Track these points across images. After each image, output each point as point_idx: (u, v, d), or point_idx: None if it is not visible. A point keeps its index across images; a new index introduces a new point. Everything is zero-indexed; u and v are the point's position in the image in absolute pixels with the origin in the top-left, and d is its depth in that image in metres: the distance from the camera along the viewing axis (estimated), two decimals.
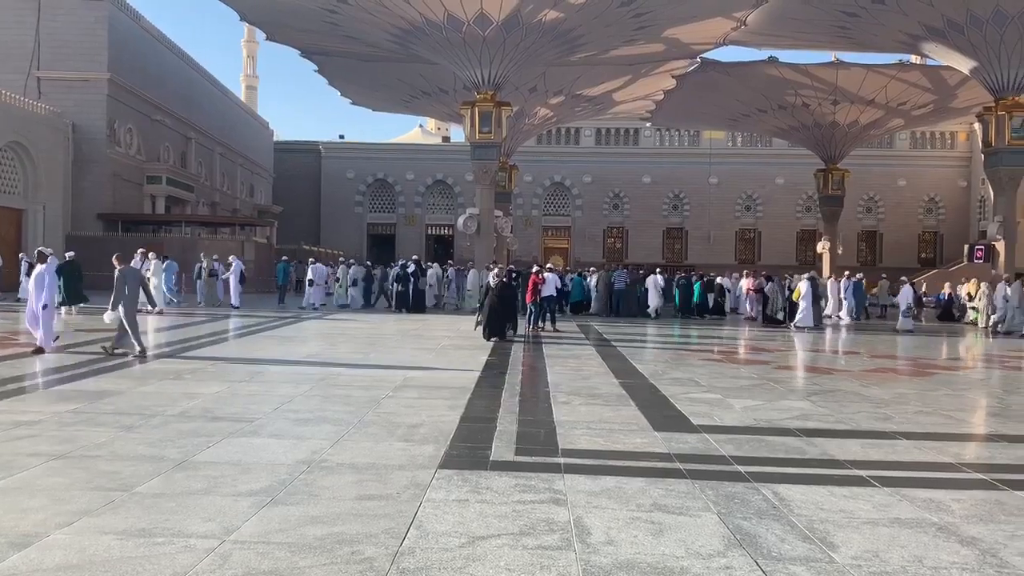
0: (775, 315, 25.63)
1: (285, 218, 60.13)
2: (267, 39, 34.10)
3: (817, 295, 24.31)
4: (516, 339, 18.24)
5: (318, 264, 28.42)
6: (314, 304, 27.10)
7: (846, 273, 29.90)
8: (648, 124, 52.42)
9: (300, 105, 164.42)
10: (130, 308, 12.98)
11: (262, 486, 5.82)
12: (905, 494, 6.08)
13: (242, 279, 26.70)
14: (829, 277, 28.85)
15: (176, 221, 43.74)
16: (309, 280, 27.56)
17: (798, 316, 23.83)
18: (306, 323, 21.76)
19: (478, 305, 21.02)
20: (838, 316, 28.34)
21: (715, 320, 27.70)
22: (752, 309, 27.79)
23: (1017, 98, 29.00)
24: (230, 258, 27.50)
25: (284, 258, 31.08)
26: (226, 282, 27.18)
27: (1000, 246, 30.29)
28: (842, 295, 28.54)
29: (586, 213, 59.46)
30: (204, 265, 27.77)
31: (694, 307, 28.28)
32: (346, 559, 4.45)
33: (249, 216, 56.46)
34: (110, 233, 38.43)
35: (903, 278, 26.51)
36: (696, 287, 28.45)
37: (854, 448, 7.72)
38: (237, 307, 25.69)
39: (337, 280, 28.99)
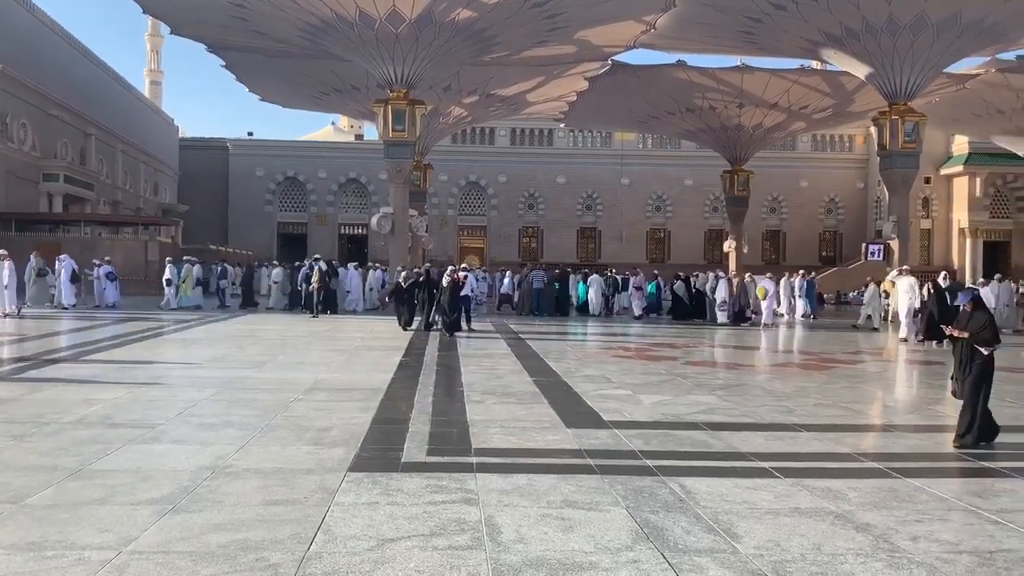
0: (746, 314, 26.17)
1: (191, 217, 58.34)
2: (172, 33, 32.98)
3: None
4: (434, 331, 18.42)
5: (173, 264, 27.52)
6: (172, 306, 26.27)
7: (800, 272, 30.86)
8: (561, 125, 52.91)
9: (207, 101, 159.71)
10: None
11: (163, 494, 5.63)
12: (805, 484, 6.30)
13: (74, 278, 25.72)
14: (784, 277, 29.77)
15: (75, 220, 41.93)
16: (167, 280, 26.66)
17: (764, 314, 25.06)
18: (211, 325, 21.16)
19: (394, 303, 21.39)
20: (792, 314, 29.23)
21: (627, 319, 28.15)
22: (636, 307, 27.99)
23: (909, 103, 30.40)
24: (61, 256, 26.38)
25: (183, 259, 29.50)
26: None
27: (895, 245, 31.71)
28: (797, 294, 29.44)
29: (501, 213, 59.65)
30: (32, 264, 26.64)
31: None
32: (250, 566, 4.33)
33: (153, 215, 54.60)
34: (3, 233, 36.53)
35: (719, 273, 27.48)
36: (652, 286, 29.13)
37: (757, 441, 7.96)
38: (67, 307, 25.01)
39: (184, 281, 27.56)
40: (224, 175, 60.11)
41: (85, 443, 7.11)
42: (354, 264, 29.20)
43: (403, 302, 21.15)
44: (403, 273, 22.22)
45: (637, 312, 27.38)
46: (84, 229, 41.23)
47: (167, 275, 26.65)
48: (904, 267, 24.95)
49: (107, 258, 27.83)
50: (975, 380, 7.94)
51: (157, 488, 5.77)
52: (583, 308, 28.67)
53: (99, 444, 7.07)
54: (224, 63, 36.20)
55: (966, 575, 4.50)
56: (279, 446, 7.22)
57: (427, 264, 29.59)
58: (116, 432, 7.59)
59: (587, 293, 28.50)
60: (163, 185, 60.98)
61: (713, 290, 26.16)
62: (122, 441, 7.21)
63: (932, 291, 19.54)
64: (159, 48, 73.50)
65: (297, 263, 30.10)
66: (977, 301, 8.39)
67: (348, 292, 27.28)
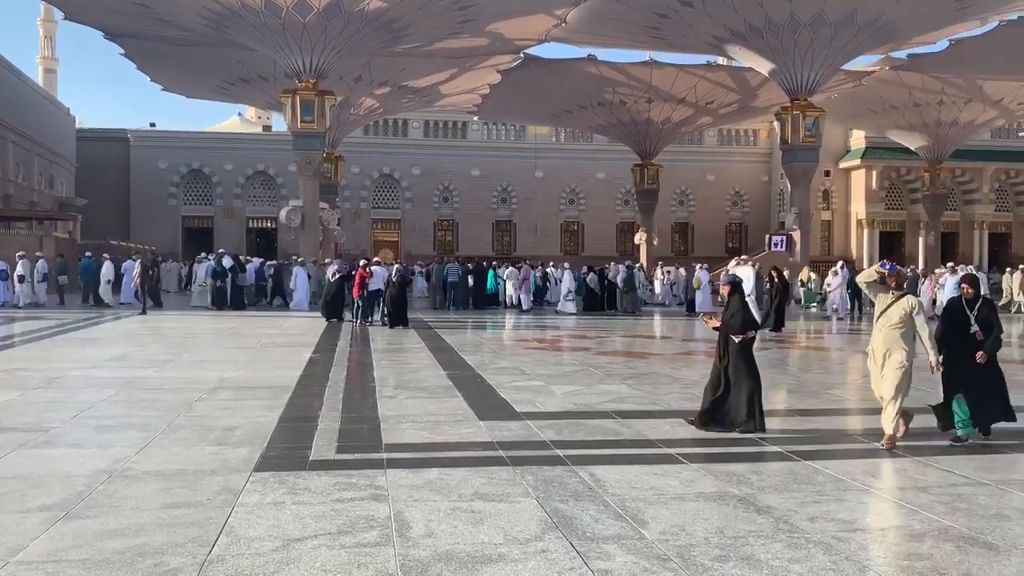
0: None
1: (91, 212, 55.81)
2: (66, 19, 31.48)
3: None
4: (349, 324, 18.13)
5: (25, 259, 26.23)
6: (21, 302, 25.21)
7: (749, 263, 31.35)
8: (475, 118, 52.86)
9: (106, 91, 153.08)
10: None
11: (55, 500, 5.38)
12: (710, 469, 6.46)
13: None
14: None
15: None
16: (19, 276, 25.50)
17: (700, 303, 25.76)
18: (113, 323, 20.37)
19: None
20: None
21: (536, 311, 28.36)
22: (524, 301, 27.74)
23: (809, 99, 31.55)
24: None
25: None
26: None
27: (796, 236, 32.89)
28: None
29: (416, 206, 59.18)
30: None
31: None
32: (148, 572, 4.18)
33: (49, 209, 52.07)
34: None
35: (565, 264, 28.14)
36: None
37: (665, 427, 8.13)
38: None
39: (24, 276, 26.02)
40: (125, 167, 57.83)
41: None
42: (300, 260, 28.15)
43: (330, 296, 21.30)
44: (332, 267, 22.46)
45: (525, 306, 27.20)
46: None
47: (19, 271, 25.42)
48: (743, 256, 25.89)
49: None
50: (737, 368, 7.81)
51: (49, 494, 5.51)
52: (494, 300, 28.67)
53: None
54: (123, 51, 34.79)
55: (860, 552, 4.68)
56: (181, 447, 7.00)
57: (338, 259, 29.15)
58: (5, 437, 7.22)
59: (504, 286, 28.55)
60: (59, 178, 58.20)
61: (624, 281, 26.59)
62: (12, 446, 6.86)
63: (776, 280, 20.49)
64: (53, 34, 70.06)
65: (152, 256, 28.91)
66: (734, 286, 7.90)
67: (294, 290, 26.41)
